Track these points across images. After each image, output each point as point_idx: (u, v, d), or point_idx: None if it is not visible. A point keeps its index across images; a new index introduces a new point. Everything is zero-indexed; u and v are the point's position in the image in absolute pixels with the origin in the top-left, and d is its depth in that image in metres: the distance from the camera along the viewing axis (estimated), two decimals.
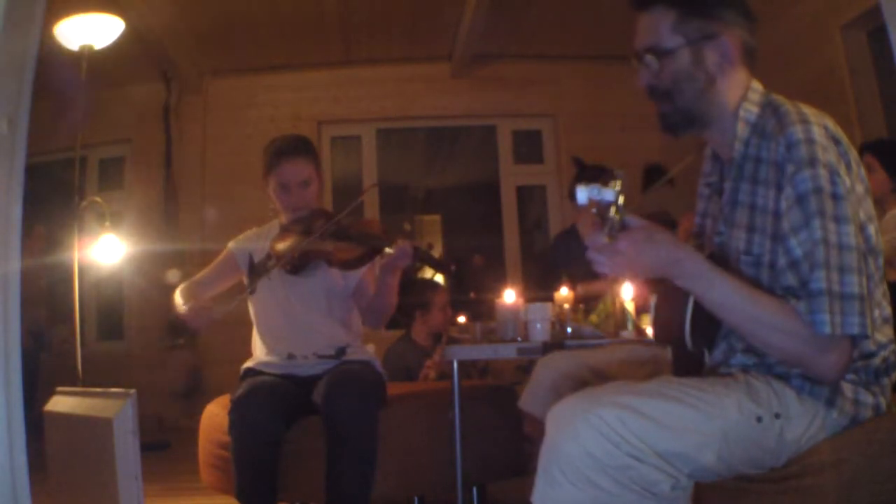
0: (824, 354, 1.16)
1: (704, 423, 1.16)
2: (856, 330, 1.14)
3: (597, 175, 3.69)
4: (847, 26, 3.79)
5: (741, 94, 1.33)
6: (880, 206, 2.81)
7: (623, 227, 1.18)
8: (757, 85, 1.35)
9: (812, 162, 1.18)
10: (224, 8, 4.57)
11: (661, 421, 1.14)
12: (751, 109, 1.32)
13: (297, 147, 2.31)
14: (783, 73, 4.05)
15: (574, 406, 1.17)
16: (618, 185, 1.16)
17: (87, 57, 3.66)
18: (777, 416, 1.20)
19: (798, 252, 1.18)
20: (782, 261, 1.21)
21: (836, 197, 1.17)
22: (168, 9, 4.43)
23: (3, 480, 0.99)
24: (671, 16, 1.31)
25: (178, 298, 2.24)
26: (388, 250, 2.10)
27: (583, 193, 1.17)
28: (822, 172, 1.17)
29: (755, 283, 1.26)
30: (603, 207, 1.18)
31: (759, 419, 1.19)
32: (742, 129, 1.31)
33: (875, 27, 3.68)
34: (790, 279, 1.19)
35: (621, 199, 1.16)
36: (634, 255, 1.19)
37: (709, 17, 1.30)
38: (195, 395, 4.72)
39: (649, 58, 1.33)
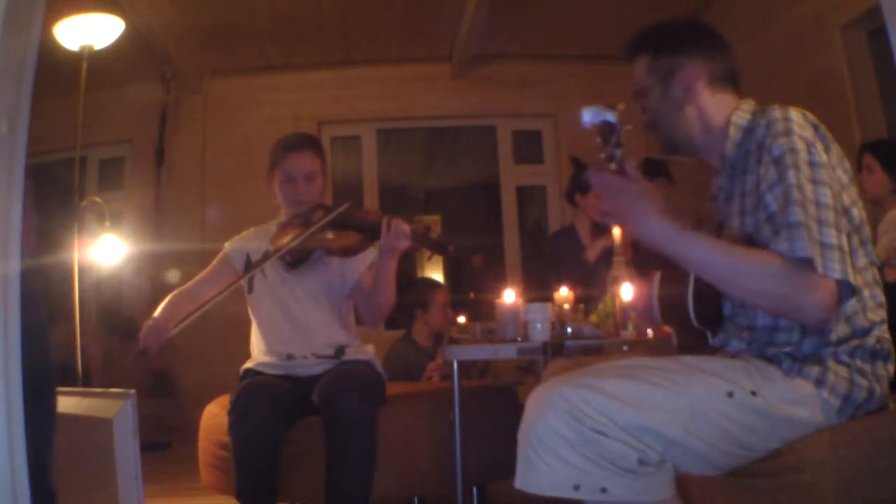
0: (809, 293, 1.19)
1: (668, 398, 1.19)
2: (838, 275, 1.18)
3: None
4: (847, 26, 3.79)
5: (729, 112, 1.44)
6: (880, 206, 2.80)
7: (621, 169, 1.27)
8: (751, 101, 1.45)
9: (787, 132, 1.27)
10: (224, 8, 4.57)
11: (623, 398, 1.18)
12: (743, 116, 1.42)
13: (304, 142, 2.35)
14: (783, 73, 4.06)
15: (543, 389, 1.22)
16: (619, 112, 1.26)
17: (87, 57, 3.66)
18: (753, 393, 1.22)
19: (773, 206, 1.24)
20: (761, 216, 1.27)
21: (812, 164, 1.24)
22: (168, 9, 4.43)
23: (3, 480, 0.99)
24: (646, 60, 1.49)
25: (162, 304, 2.24)
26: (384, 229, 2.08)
27: (588, 114, 1.27)
28: (797, 140, 1.26)
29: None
30: (606, 131, 1.26)
31: (731, 394, 1.21)
32: (734, 132, 1.41)
33: (875, 27, 3.67)
34: (767, 231, 1.24)
35: (622, 129, 1.26)
36: (621, 202, 1.26)
37: (675, 53, 1.47)
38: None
39: (638, 99, 1.49)
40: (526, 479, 1.19)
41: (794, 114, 1.30)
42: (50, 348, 1.30)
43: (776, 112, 1.31)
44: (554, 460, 1.16)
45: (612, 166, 1.26)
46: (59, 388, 1.96)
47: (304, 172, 2.29)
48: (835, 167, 1.29)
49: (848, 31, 3.80)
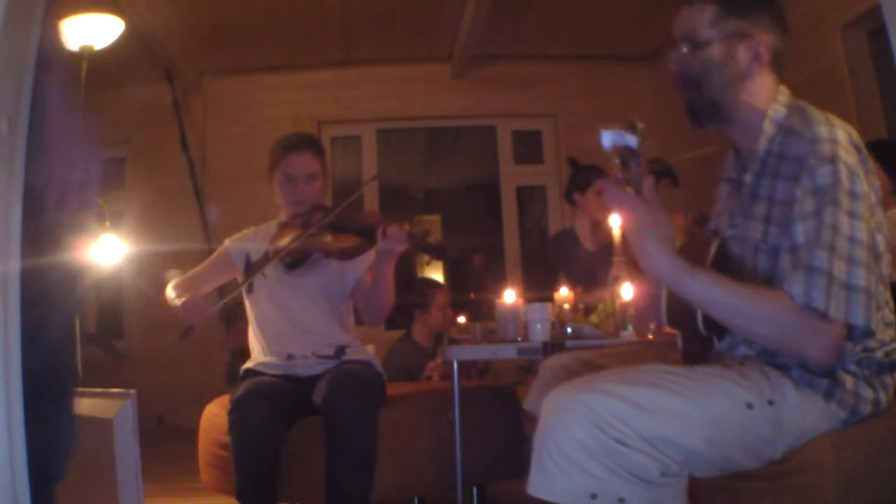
0: (815, 338, 1.17)
1: (690, 408, 1.18)
2: (860, 321, 1.15)
3: (591, 175, 3.68)
4: (847, 26, 3.79)
5: (770, 96, 1.36)
6: (881, 206, 2.79)
7: (637, 188, 1.22)
8: (785, 90, 1.39)
9: (833, 159, 1.21)
10: (224, 8, 4.57)
11: (645, 406, 1.16)
12: (779, 109, 1.35)
13: (305, 142, 2.36)
14: (784, 73, 4.05)
15: (562, 394, 1.20)
16: (639, 132, 1.20)
17: (88, 57, 3.66)
18: (770, 402, 1.21)
19: (800, 238, 1.20)
20: (784, 244, 1.23)
21: (853, 194, 1.19)
22: (168, 9, 4.43)
23: (3, 480, 0.99)
24: (711, 11, 1.36)
25: (169, 293, 2.24)
26: (381, 234, 2.09)
27: (607, 137, 1.21)
28: (843, 169, 1.20)
29: (766, 276, 1.28)
30: (626, 154, 1.21)
31: (750, 406, 1.20)
32: (769, 127, 1.34)
33: (875, 27, 3.67)
34: (785, 262, 1.21)
35: (642, 149, 1.20)
36: (633, 224, 1.23)
37: (746, 18, 1.35)
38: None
39: (683, 45, 1.37)
40: (539, 486, 1.16)
41: (841, 134, 1.24)
42: (51, 350, 1.29)
43: (822, 129, 1.24)
44: (572, 468, 1.13)
45: (630, 190, 1.22)
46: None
47: (305, 172, 2.29)
48: (869, 192, 1.24)
49: (848, 31, 3.80)
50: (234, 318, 4.41)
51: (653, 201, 1.23)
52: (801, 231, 1.21)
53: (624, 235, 1.28)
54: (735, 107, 1.36)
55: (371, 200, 5.63)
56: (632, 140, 1.19)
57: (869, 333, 1.19)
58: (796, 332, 1.18)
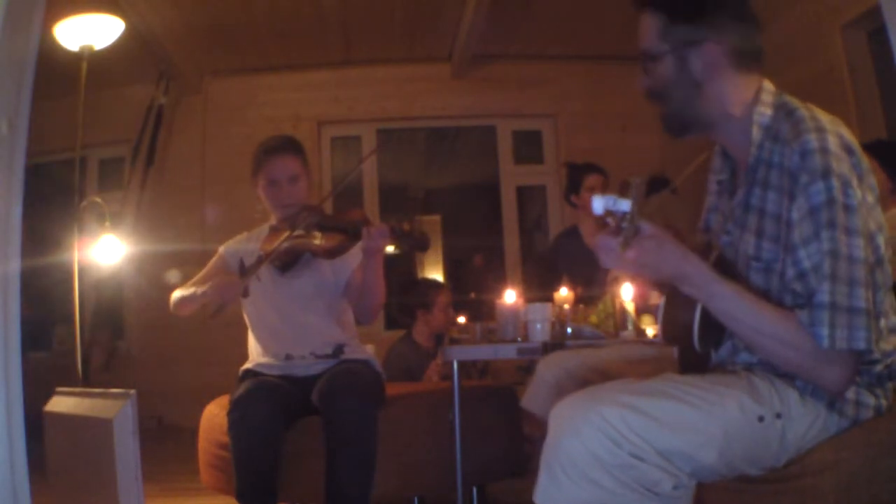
0: (827, 367, 1.16)
1: (705, 421, 1.16)
2: (862, 345, 1.14)
3: (580, 174, 3.69)
4: (847, 26, 3.79)
5: (749, 96, 1.31)
6: (881, 206, 2.79)
7: (636, 231, 1.18)
8: (768, 85, 1.33)
9: (826, 173, 1.16)
10: (224, 8, 4.56)
11: (662, 419, 1.14)
12: (764, 112, 1.30)
13: (284, 144, 2.37)
14: (783, 73, 4.03)
15: (576, 404, 1.17)
16: (633, 193, 1.15)
17: (87, 57, 3.66)
18: (778, 415, 1.20)
19: (806, 264, 1.18)
20: (791, 271, 1.20)
21: (848, 209, 1.16)
22: (168, 9, 4.43)
23: (3, 480, 0.99)
24: (659, 21, 1.30)
25: (184, 292, 2.25)
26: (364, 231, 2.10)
27: (599, 203, 1.16)
28: (836, 184, 1.16)
29: (761, 293, 1.26)
30: (619, 217, 1.17)
31: (761, 419, 1.19)
32: (756, 133, 1.29)
33: (875, 27, 3.67)
34: (798, 289, 1.19)
35: (636, 208, 1.16)
36: (642, 263, 1.20)
37: (695, 22, 1.29)
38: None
39: (643, 61, 1.33)
40: (547, 495, 1.14)
41: (831, 140, 1.18)
42: None
43: (811, 138, 1.18)
44: (582, 480, 1.11)
45: (621, 248, 1.17)
46: (59, 388, 1.96)
47: (287, 175, 2.31)
48: (865, 195, 1.20)
49: (848, 31, 3.80)
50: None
51: (652, 235, 1.20)
52: (804, 256, 1.18)
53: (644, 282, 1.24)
54: (706, 115, 1.32)
55: (371, 200, 5.63)
56: (624, 205, 1.15)
57: (869, 353, 1.19)
58: (811, 363, 1.17)
